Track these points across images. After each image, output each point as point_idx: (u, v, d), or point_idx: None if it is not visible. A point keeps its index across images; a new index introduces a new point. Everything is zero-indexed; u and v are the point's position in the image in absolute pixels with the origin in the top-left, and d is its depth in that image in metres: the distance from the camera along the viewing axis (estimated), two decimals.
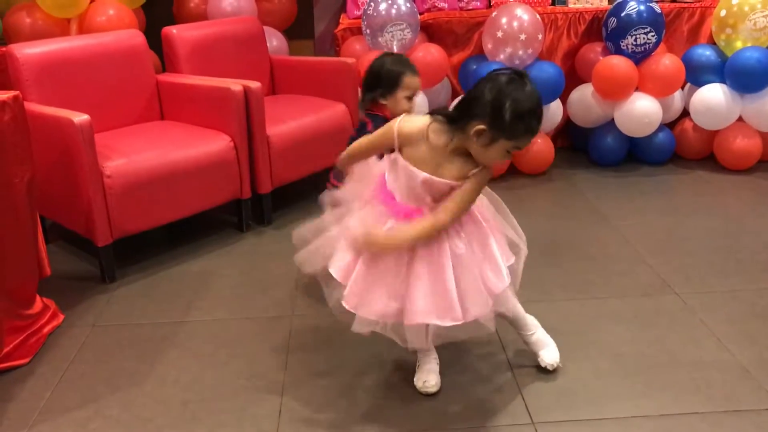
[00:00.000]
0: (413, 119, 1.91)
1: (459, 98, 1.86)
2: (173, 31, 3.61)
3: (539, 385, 2.14)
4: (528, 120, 1.75)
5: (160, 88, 3.49)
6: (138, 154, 2.91)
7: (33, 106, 2.79)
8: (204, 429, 2.00)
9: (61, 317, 2.57)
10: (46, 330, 2.47)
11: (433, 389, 2.11)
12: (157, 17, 4.26)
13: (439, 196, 1.87)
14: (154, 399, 2.14)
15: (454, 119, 1.82)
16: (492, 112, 1.73)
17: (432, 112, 1.88)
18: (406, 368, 2.20)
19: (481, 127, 1.75)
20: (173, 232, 3.28)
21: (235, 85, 3.16)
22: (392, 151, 1.92)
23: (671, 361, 2.25)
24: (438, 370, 2.16)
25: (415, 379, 2.15)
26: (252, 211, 3.35)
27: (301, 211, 3.43)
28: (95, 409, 2.09)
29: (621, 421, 1.98)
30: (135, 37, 3.43)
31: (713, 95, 3.87)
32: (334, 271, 1.96)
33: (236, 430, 1.99)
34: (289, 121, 3.44)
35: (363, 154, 2.05)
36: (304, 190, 3.52)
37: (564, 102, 4.08)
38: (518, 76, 1.76)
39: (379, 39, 3.82)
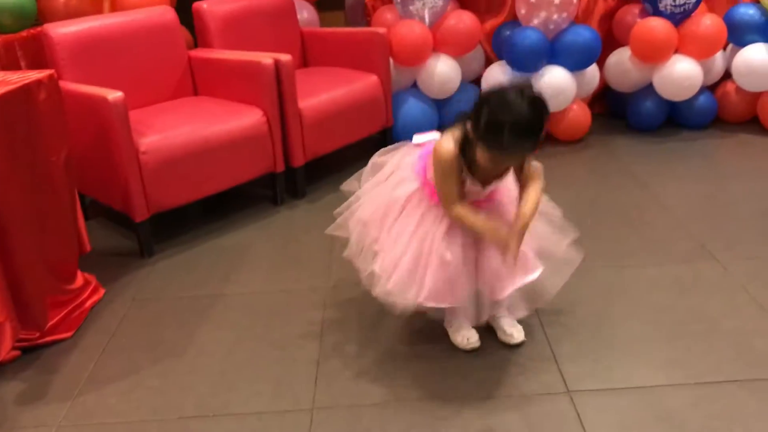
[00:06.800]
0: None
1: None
2: (204, 6, 3.60)
3: (574, 353, 2.12)
4: (500, 133, 1.70)
5: (193, 63, 3.51)
6: (172, 130, 2.93)
7: (68, 85, 2.83)
8: (241, 398, 2.04)
9: (102, 291, 2.63)
10: (87, 304, 2.52)
11: (477, 344, 2.16)
12: None
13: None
14: (193, 369, 2.19)
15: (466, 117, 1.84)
16: (475, 115, 1.75)
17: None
18: (439, 336, 2.22)
19: (468, 127, 1.78)
20: (209, 206, 3.31)
21: (266, 58, 3.16)
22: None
23: (711, 328, 2.21)
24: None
25: (454, 339, 2.18)
26: (286, 184, 3.37)
27: (334, 184, 3.34)
28: (137, 380, 2.15)
29: (659, 390, 1.96)
30: (166, 13, 3.44)
31: (757, 55, 3.75)
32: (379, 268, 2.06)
33: (273, 399, 2.03)
34: (321, 93, 3.43)
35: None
36: (338, 163, 3.51)
37: (601, 67, 3.99)
38: (519, 89, 1.72)
39: (410, 8, 3.77)
